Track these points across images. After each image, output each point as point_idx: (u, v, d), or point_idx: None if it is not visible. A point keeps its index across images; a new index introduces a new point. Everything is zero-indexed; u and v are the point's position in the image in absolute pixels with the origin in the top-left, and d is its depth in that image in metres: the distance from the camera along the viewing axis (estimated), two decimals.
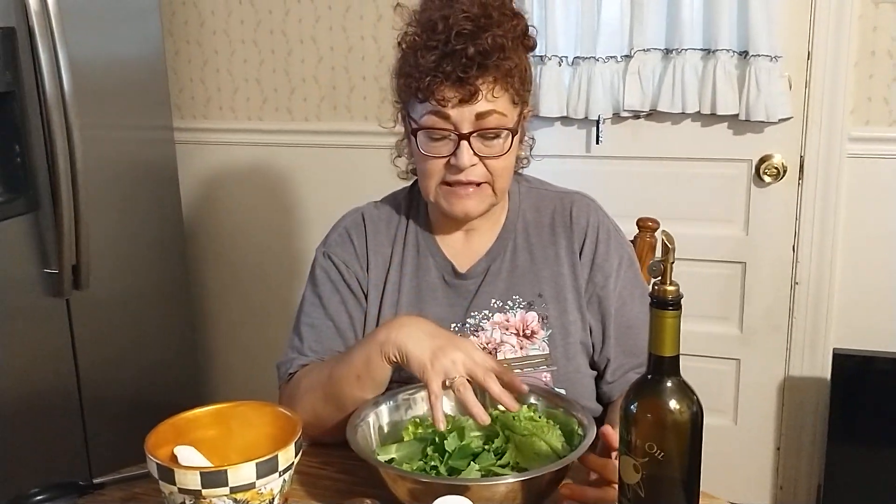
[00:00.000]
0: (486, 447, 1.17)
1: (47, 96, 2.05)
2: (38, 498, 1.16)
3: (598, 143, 2.37)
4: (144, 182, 2.53)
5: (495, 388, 1.14)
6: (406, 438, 1.21)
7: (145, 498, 1.19)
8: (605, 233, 1.38)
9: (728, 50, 2.18)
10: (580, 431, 1.15)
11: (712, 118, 2.28)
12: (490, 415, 1.17)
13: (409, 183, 1.48)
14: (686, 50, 2.22)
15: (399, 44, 1.30)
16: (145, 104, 2.51)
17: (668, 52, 2.26)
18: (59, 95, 2.07)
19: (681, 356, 2.51)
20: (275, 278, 2.79)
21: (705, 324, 2.44)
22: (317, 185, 2.68)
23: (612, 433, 1.04)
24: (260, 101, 2.69)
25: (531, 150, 1.43)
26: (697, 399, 0.92)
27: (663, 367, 0.90)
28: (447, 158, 1.26)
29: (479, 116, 1.24)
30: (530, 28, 1.31)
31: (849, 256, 2.30)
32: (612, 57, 2.29)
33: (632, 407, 0.91)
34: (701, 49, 2.23)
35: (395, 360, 1.17)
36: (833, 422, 2.23)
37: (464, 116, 1.24)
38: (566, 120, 2.38)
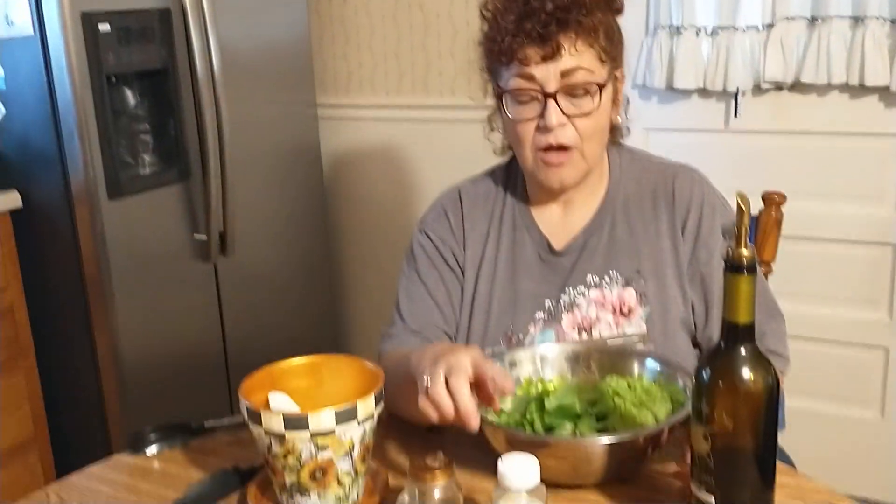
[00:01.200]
0: (590, 410, 1.17)
1: (198, 74, 2.20)
2: (154, 435, 1.26)
3: (736, 116, 2.27)
4: (289, 155, 2.65)
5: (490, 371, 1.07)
6: (518, 394, 1.23)
7: (249, 443, 1.26)
8: (709, 207, 1.33)
9: (878, 17, 2.03)
10: (684, 399, 1.12)
11: (860, 90, 2.14)
12: (605, 381, 1.18)
13: (507, 159, 1.47)
14: (833, 17, 2.09)
15: (481, 13, 1.30)
16: (291, 81, 2.64)
17: (813, 19, 2.14)
18: (209, 73, 2.22)
19: (825, 342, 2.41)
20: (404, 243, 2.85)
21: (850, 309, 2.31)
22: (451, 159, 2.71)
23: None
24: (397, 76, 2.75)
25: (626, 114, 1.38)
26: (774, 370, 0.88)
27: (737, 334, 0.87)
28: (536, 121, 1.26)
29: (565, 74, 1.23)
30: None
31: None
32: (752, 26, 2.18)
33: (703, 374, 0.89)
34: (849, 16, 2.09)
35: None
36: None
37: (549, 75, 1.23)
38: (703, 92, 2.30)
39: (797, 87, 2.21)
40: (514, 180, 1.42)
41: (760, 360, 0.88)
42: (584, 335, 1.32)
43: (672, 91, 2.27)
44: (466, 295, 1.38)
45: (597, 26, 1.24)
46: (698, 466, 0.90)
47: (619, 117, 1.35)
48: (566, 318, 1.33)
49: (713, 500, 0.89)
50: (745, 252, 0.86)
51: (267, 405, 1.09)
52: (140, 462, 1.24)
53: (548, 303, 1.34)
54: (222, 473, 1.14)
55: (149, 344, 2.23)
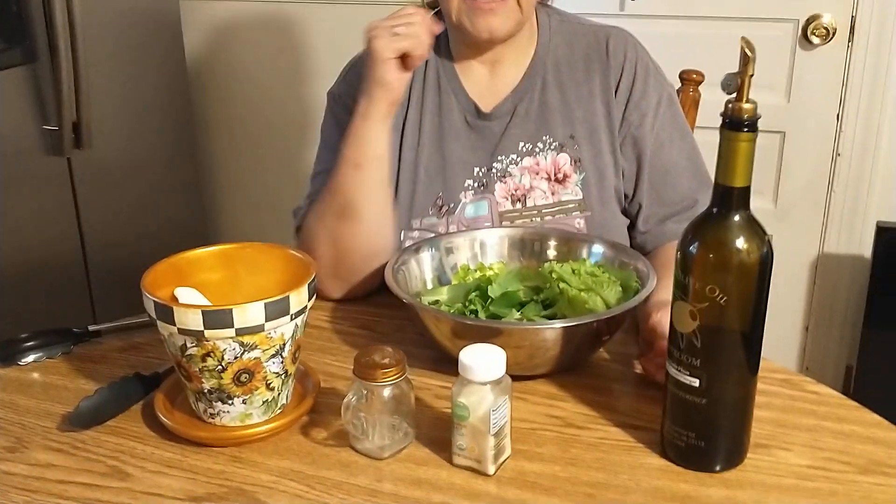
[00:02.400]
0: (535, 298, 1.08)
1: None
2: (29, 345, 1.07)
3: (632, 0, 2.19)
4: (147, 36, 2.37)
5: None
6: (454, 283, 1.13)
7: (146, 347, 1.10)
8: (643, 69, 1.26)
9: None
10: (637, 285, 1.04)
11: None
12: (546, 267, 1.10)
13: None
14: None
15: None
16: None
17: None
18: None
19: None
20: (284, 132, 2.65)
21: None
22: (326, 32, 2.51)
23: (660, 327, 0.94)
24: None
25: None
26: (769, 239, 0.80)
27: (732, 199, 0.78)
28: None
29: None
30: None
31: None
32: None
33: (691, 246, 0.80)
34: None
35: (364, 98, 1.14)
36: (871, 301, 2.12)
37: None
38: None
39: None
40: (437, 39, 1.28)
41: (756, 229, 0.80)
42: (518, 205, 1.23)
43: None
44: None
45: None
46: (681, 348, 0.82)
47: None
48: (499, 188, 1.24)
49: (698, 383, 0.82)
50: (746, 106, 0.76)
51: (174, 301, 0.93)
52: (15, 374, 1.05)
53: (477, 170, 1.25)
54: (122, 382, 0.97)
55: None
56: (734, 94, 0.77)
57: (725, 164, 0.78)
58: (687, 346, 0.81)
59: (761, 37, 2.17)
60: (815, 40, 2.13)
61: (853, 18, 2.10)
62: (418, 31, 1.10)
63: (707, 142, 1.32)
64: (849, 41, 2.12)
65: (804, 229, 2.30)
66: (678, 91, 1.53)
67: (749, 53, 0.76)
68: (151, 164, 2.42)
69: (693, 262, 0.80)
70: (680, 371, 0.83)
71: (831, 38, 2.12)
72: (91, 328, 1.11)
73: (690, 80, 1.55)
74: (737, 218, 0.79)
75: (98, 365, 1.07)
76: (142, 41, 2.35)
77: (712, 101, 1.87)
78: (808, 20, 2.13)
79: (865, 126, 2.15)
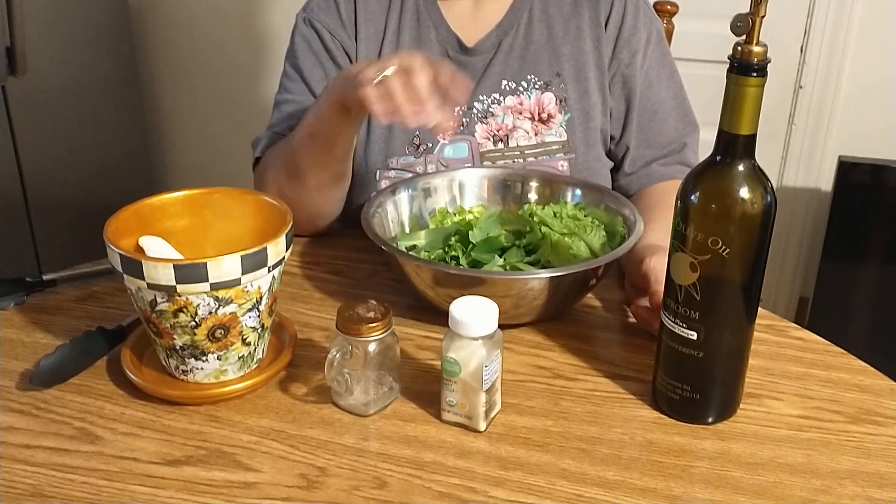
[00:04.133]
0: (517, 243, 1.04)
1: None
2: None
3: None
4: None
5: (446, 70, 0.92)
6: (432, 226, 1.09)
7: (105, 297, 1.04)
8: (633, 3, 1.20)
9: None
10: (624, 231, 1.01)
11: None
12: (526, 210, 1.06)
13: None
14: None
15: None
16: None
17: None
18: None
19: None
20: (238, 57, 2.53)
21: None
22: None
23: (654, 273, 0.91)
24: None
25: None
26: (772, 188, 0.77)
27: (736, 148, 0.75)
28: None
29: None
30: None
31: (860, 59, 2.13)
32: None
33: (692, 196, 0.77)
34: None
35: (337, 99, 0.98)
36: (829, 234, 2.14)
37: None
38: None
39: None
40: None
41: (760, 179, 0.76)
42: (500, 145, 1.18)
43: None
44: None
45: None
46: (679, 300, 0.79)
47: None
48: (480, 129, 1.18)
49: (696, 336, 0.79)
50: (756, 49, 0.72)
51: (140, 252, 0.87)
52: None
53: (458, 111, 1.18)
54: (84, 336, 0.91)
55: None
56: (743, 36, 0.72)
57: (732, 111, 0.74)
58: (685, 298, 0.79)
59: None
60: None
61: None
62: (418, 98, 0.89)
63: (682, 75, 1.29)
64: None
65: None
66: None
67: None
68: (90, 91, 2.30)
69: (695, 213, 0.77)
70: (676, 323, 0.80)
71: None
72: (46, 277, 1.04)
73: (665, 11, 1.50)
74: (741, 167, 0.75)
75: (55, 317, 1.00)
76: None
77: (686, 33, 1.82)
78: None
79: (829, 58, 2.14)
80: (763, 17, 0.72)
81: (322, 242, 1.17)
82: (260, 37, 2.46)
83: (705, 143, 2.34)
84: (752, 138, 0.75)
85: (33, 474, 0.77)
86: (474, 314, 0.79)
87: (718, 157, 0.76)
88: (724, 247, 0.76)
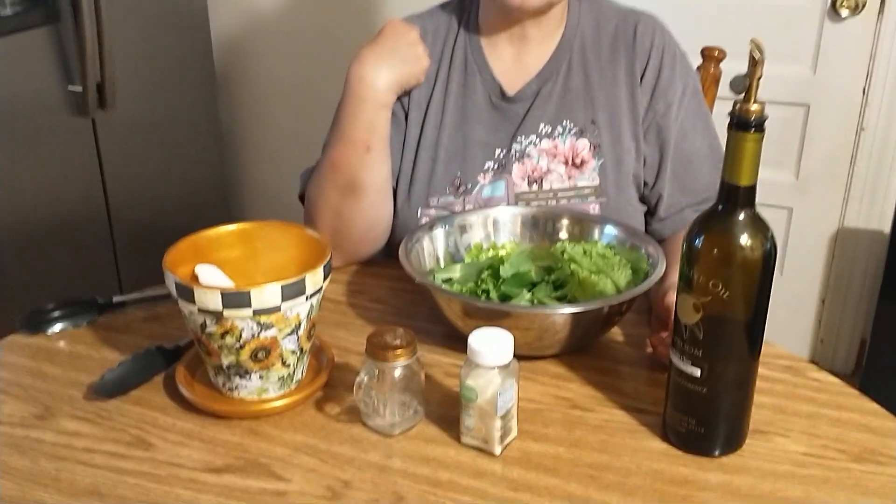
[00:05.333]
0: (546, 278, 1.10)
1: None
2: (56, 314, 1.11)
3: None
4: None
5: None
6: (467, 261, 1.16)
7: (168, 318, 1.14)
8: (670, 57, 1.25)
9: None
10: (648, 268, 1.06)
11: None
12: (559, 247, 1.12)
13: None
14: None
15: None
16: None
17: None
18: None
19: None
20: (307, 104, 2.66)
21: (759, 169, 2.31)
22: (353, 3, 2.51)
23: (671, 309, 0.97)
24: None
25: None
26: (772, 235, 0.82)
27: (738, 197, 0.80)
28: None
29: None
30: None
31: None
32: None
33: (697, 241, 0.82)
34: None
35: (395, 96, 1.23)
36: (888, 276, 2.12)
37: None
38: None
39: None
40: (468, 16, 1.30)
41: (760, 226, 0.81)
42: (535, 186, 1.25)
43: None
44: (410, 140, 1.28)
45: None
46: (684, 338, 0.84)
47: None
48: (516, 169, 1.25)
49: (699, 373, 0.84)
50: (753, 108, 0.77)
51: (195, 279, 0.96)
52: (42, 343, 1.09)
53: (498, 152, 1.26)
54: (145, 353, 1.01)
55: (22, 210, 2.01)
56: (742, 94, 0.77)
57: (732, 163, 0.79)
58: (690, 336, 0.84)
59: (789, 7, 2.17)
60: (844, 12, 2.11)
61: None
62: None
63: (720, 112, 1.31)
64: (879, 14, 2.09)
65: (825, 202, 2.30)
66: (699, 67, 1.53)
67: (757, 55, 0.76)
68: (174, 124, 2.45)
69: (698, 256, 0.82)
70: (682, 360, 0.85)
71: (861, 10, 2.10)
72: (115, 299, 1.15)
73: (712, 56, 1.54)
74: (741, 216, 0.80)
75: (122, 335, 1.11)
76: (164, 5, 2.36)
77: (733, 71, 1.85)
78: None
79: (891, 101, 2.14)
80: (760, 77, 0.77)
81: (366, 272, 1.26)
82: (335, 72, 2.58)
83: (761, 181, 2.37)
84: (752, 189, 0.80)
85: (92, 475, 0.86)
86: (491, 345, 0.86)
87: (721, 207, 0.81)
88: (724, 289, 0.81)
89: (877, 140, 2.18)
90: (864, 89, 2.16)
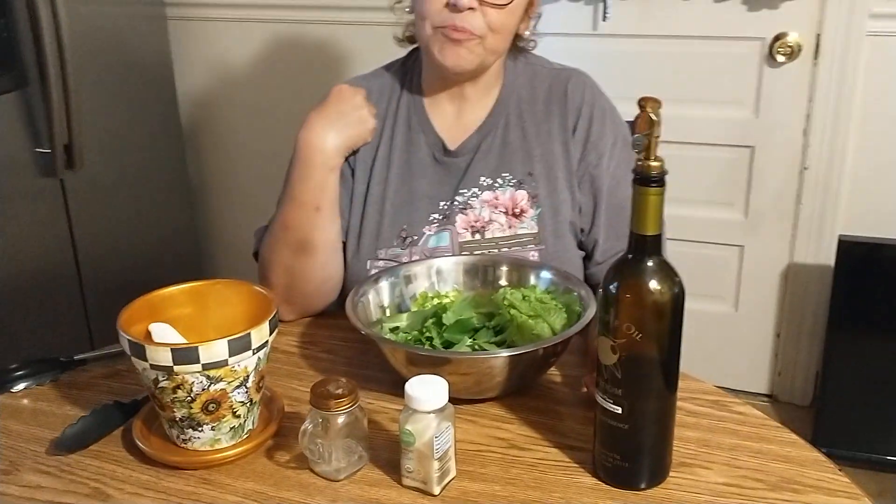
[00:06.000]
0: (487, 324, 1.16)
1: None
2: (20, 373, 1.16)
3: (604, 20, 2.27)
4: (136, 58, 2.46)
5: None
6: (413, 309, 1.21)
7: (127, 374, 1.18)
8: (600, 111, 1.33)
9: None
10: (580, 310, 1.13)
11: None
12: (500, 293, 1.18)
13: (404, 54, 1.42)
14: None
15: None
16: None
17: None
18: None
19: (683, 241, 2.47)
20: (273, 159, 2.72)
21: (709, 209, 2.40)
22: (314, 62, 2.60)
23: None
24: None
25: (535, 26, 1.36)
26: (679, 280, 0.88)
27: (645, 246, 0.87)
28: (447, 0, 1.21)
29: None
30: None
31: (861, 141, 2.22)
32: None
33: (611, 287, 0.88)
34: None
35: (343, 158, 1.30)
36: (834, 309, 2.20)
37: None
38: None
39: None
40: (411, 75, 1.38)
41: (667, 272, 0.88)
42: (478, 236, 1.32)
43: None
44: (358, 196, 1.34)
45: None
46: (606, 378, 0.90)
47: (527, 30, 1.34)
48: (460, 219, 1.32)
49: (620, 410, 0.90)
50: (653, 164, 0.85)
51: (149, 337, 1.01)
52: (7, 401, 1.14)
53: (442, 204, 1.33)
54: (103, 409, 1.06)
55: None
56: (643, 153, 0.85)
57: (638, 215, 0.86)
58: (610, 376, 0.90)
59: (729, 54, 2.27)
60: (781, 58, 2.21)
61: (818, 37, 2.18)
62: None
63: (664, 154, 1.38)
64: (814, 59, 2.19)
65: (774, 239, 2.38)
66: (637, 117, 1.60)
67: (654, 118, 0.83)
68: (143, 181, 2.51)
69: (612, 302, 0.88)
70: (605, 399, 0.91)
71: (797, 56, 2.20)
72: (77, 357, 1.20)
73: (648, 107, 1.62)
74: (650, 263, 0.87)
75: (83, 391, 1.15)
76: (131, 61, 2.44)
77: (671, 116, 1.93)
78: (774, 38, 2.21)
79: (832, 141, 2.23)
80: (658, 137, 0.84)
81: (319, 324, 1.31)
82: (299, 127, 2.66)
83: (713, 221, 2.43)
84: (658, 237, 0.87)
85: None
86: (426, 391, 0.92)
87: (631, 255, 0.88)
88: (637, 332, 0.87)
89: (820, 178, 2.27)
90: (804, 130, 2.26)
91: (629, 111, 1.54)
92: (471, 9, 1.20)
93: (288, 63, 2.64)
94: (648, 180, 0.84)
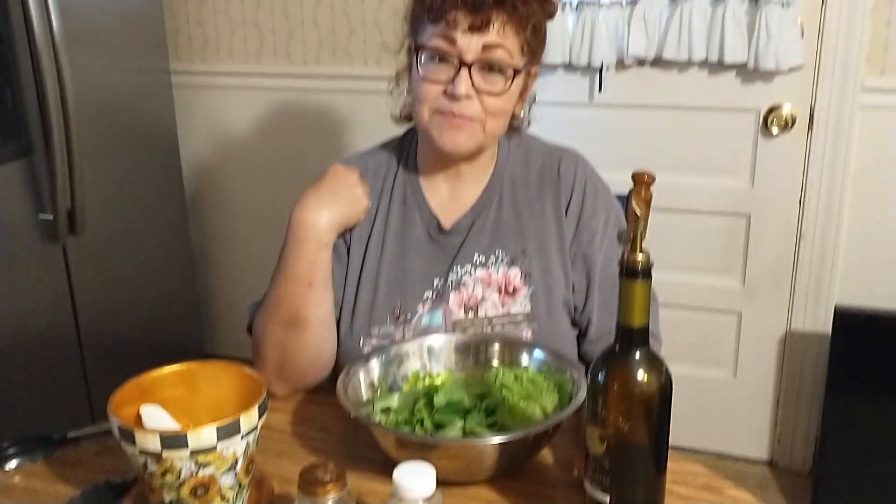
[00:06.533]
0: (479, 405, 1.16)
1: (36, 37, 2.01)
2: (12, 451, 1.16)
3: (600, 91, 2.31)
4: (141, 125, 2.50)
5: None
6: (405, 389, 1.21)
7: (119, 452, 1.17)
8: (592, 189, 1.35)
9: None
10: (572, 391, 1.13)
11: (720, 66, 2.21)
12: (492, 373, 1.19)
13: (402, 132, 1.45)
14: None
15: None
16: (141, 45, 2.47)
17: None
18: (48, 36, 2.02)
19: (683, 308, 2.47)
20: (274, 223, 2.75)
21: (708, 276, 2.41)
22: (316, 128, 2.64)
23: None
24: (258, 43, 2.63)
25: (530, 109, 1.39)
26: (666, 369, 0.89)
27: (632, 337, 0.88)
28: (445, 86, 1.24)
29: (486, 48, 1.22)
30: None
31: (856, 211, 2.24)
32: (616, 2, 2.21)
33: (599, 378, 0.89)
34: None
35: (336, 236, 1.31)
36: (831, 378, 2.20)
37: (470, 45, 1.22)
38: (569, 67, 2.32)
39: (659, 62, 2.26)
40: (407, 155, 1.40)
41: (654, 363, 0.88)
42: (471, 314, 1.32)
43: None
44: (352, 272, 1.35)
45: (529, 17, 1.24)
46: (594, 467, 0.90)
47: (522, 111, 1.36)
48: (453, 297, 1.32)
49: (608, 499, 0.90)
50: (639, 257, 0.86)
51: (139, 420, 1.02)
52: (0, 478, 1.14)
53: (436, 281, 1.34)
54: (93, 489, 1.06)
55: None
56: (629, 245, 0.86)
57: (625, 307, 0.87)
58: (598, 465, 0.90)
59: (724, 125, 2.31)
60: (776, 129, 2.24)
61: (812, 109, 2.21)
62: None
63: (657, 224, 1.38)
64: (808, 130, 2.22)
65: (772, 307, 2.39)
66: (630, 192, 1.62)
67: (638, 212, 0.85)
68: (145, 246, 2.53)
69: (600, 393, 0.89)
70: (593, 487, 0.91)
71: (791, 127, 2.23)
72: (70, 434, 1.20)
73: (642, 181, 1.64)
74: (637, 355, 0.88)
75: (75, 469, 1.15)
76: (136, 126, 2.47)
77: (667, 184, 1.92)
78: (769, 110, 2.24)
79: (826, 211, 2.25)
80: (643, 230, 0.86)
81: (311, 400, 1.31)
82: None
83: (711, 288, 2.42)
84: (644, 329, 0.88)
85: None
86: (414, 478, 0.91)
87: (618, 347, 0.89)
88: (625, 422, 0.87)
89: (815, 247, 2.29)
90: (799, 200, 2.28)
91: (626, 179, 1.58)
92: (468, 97, 1.23)
93: (289, 129, 2.68)
94: (635, 273, 0.85)
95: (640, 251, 0.86)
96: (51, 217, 2.14)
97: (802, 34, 2.15)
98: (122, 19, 2.38)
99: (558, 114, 2.30)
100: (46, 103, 2.05)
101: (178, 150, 2.65)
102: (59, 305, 2.24)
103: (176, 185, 2.66)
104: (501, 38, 1.23)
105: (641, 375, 0.88)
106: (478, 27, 1.21)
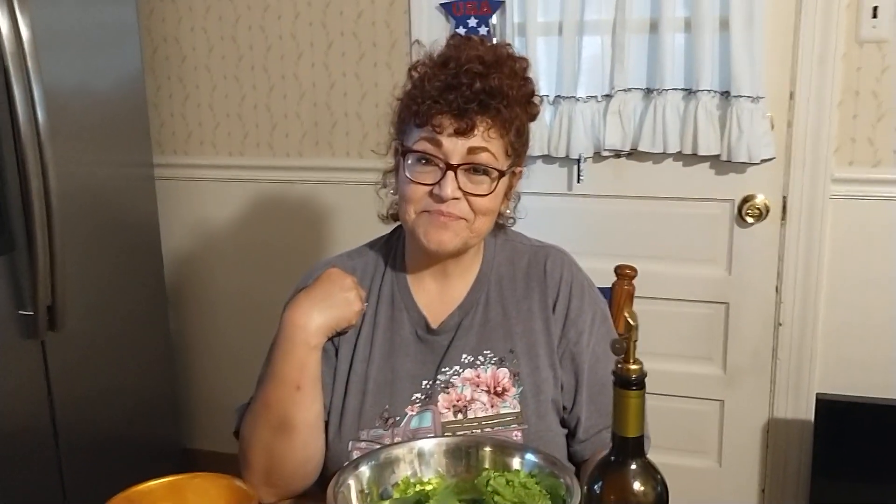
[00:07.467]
0: None
1: (21, 132, 2.01)
2: None
3: (579, 181, 2.35)
4: (123, 219, 2.50)
5: None
6: (396, 496, 1.19)
7: None
8: (578, 288, 1.37)
9: (709, 90, 2.17)
10: (565, 495, 1.12)
11: (694, 158, 2.26)
12: (483, 477, 1.17)
13: (388, 231, 1.46)
14: (667, 90, 2.21)
15: (410, 71, 1.32)
16: (125, 139, 2.49)
17: (649, 91, 2.25)
18: (33, 131, 2.03)
19: (665, 396, 2.47)
20: (256, 317, 2.76)
21: (689, 364, 2.42)
22: (298, 220, 2.66)
23: None
24: (241, 136, 2.67)
25: (515, 206, 1.42)
26: (662, 478, 0.89)
27: (627, 448, 0.88)
28: (431, 187, 1.26)
29: (471, 151, 1.25)
30: (536, 97, 1.34)
31: (833, 298, 2.28)
32: (592, 96, 2.28)
33: (595, 487, 0.89)
34: (682, 89, 2.22)
35: (326, 338, 1.30)
36: (816, 466, 2.20)
37: (455, 148, 1.25)
38: (547, 158, 2.37)
39: (635, 154, 2.31)
40: (394, 255, 1.41)
41: (650, 472, 0.89)
42: (460, 416, 1.31)
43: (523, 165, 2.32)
44: (340, 375, 1.35)
45: (513, 120, 1.27)
46: None
47: (507, 210, 1.38)
48: (442, 399, 1.32)
49: None
50: (632, 367, 0.87)
51: None
52: None
53: (424, 383, 1.33)
54: None
55: None
56: (623, 356, 0.87)
57: (619, 418, 0.87)
58: None
59: (700, 214, 2.35)
60: (750, 219, 2.29)
61: (784, 200, 2.26)
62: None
63: (637, 312, 1.40)
64: (781, 220, 2.27)
65: (754, 394, 2.40)
66: (614, 284, 1.65)
67: (632, 322, 0.86)
68: (124, 340, 2.50)
69: (597, 502, 0.88)
70: None
71: (765, 217, 2.28)
72: None
73: (625, 275, 1.66)
74: (633, 465, 0.88)
75: None
76: (118, 221, 2.47)
77: (646, 272, 1.95)
78: (742, 200, 2.29)
79: (804, 298, 2.28)
80: (636, 340, 0.87)
81: None
82: (283, 286, 2.69)
83: (693, 375, 2.41)
84: (639, 439, 0.88)
85: None
86: None
87: (613, 457, 0.89)
88: None
89: (794, 335, 2.31)
90: (776, 287, 2.31)
91: (605, 267, 1.61)
92: (455, 198, 1.25)
93: (272, 221, 2.70)
94: (629, 383, 0.86)
95: (634, 362, 0.87)
96: (31, 313, 2.12)
97: (772, 127, 2.21)
98: (107, 113, 2.40)
99: (538, 203, 2.32)
100: (30, 199, 2.05)
101: (159, 244, 2.64)
102: (36, 400, 2.20)
103: (157, 278, 2.65)
104: (486, 141, 1.26)
105: (638, 486, 0.88)
106: (463, 131, 1.24)
